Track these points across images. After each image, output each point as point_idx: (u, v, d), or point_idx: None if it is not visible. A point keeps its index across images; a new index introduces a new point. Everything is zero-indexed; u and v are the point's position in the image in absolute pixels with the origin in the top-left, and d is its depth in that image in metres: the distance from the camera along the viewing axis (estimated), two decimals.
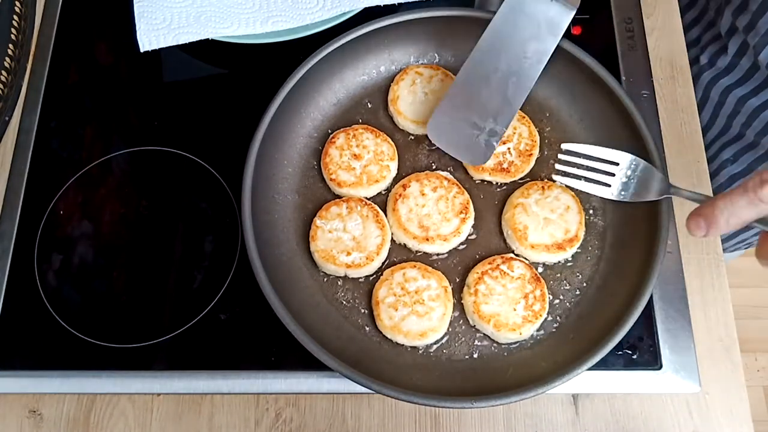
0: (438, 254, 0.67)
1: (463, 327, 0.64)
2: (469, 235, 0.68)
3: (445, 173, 0.68)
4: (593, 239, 0.67)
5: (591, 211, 0.69)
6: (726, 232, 0.45)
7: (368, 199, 0.69)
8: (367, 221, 0.66)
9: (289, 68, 0.68)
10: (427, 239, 0.66)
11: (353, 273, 0.65)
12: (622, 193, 0.55)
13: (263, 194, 0.66)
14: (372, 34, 0.71)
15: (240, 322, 0.66)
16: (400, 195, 0.67)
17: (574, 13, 0.59)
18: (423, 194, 0.67)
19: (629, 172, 0.56)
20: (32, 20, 0.81)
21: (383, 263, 0.66)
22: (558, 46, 0.68)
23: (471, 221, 0.67)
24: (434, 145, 0.70)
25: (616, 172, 0.56)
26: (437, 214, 0.66)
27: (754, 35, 0.73)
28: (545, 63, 0.60)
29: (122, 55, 0.80)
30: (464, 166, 0.70)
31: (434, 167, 0.71)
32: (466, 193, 0.67)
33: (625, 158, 0.56)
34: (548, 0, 0.58)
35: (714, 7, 0.82)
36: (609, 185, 0.56)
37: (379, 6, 0.76)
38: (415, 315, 0.62)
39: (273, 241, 0.66)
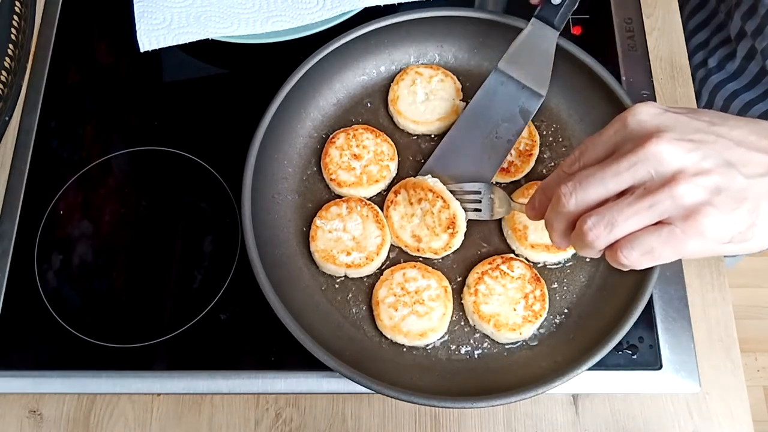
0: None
1: (463, 327, 0.64)
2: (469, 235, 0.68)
3: (432, 180, 0.66)
4: None
5: None
6: (542, 212, 0.49)
7: (368, 199, 0.69)
8: (367, 221, 0.66)
9: (289, 68, 0.68)
10: (419, 249, 0.66)
11: (353, 273, 0.65)
12: (489, 213, 0.65)
13: (263, 194, 0.66)
14: (372, 34, 0.71)
15: (240, 322, 0.66)
16: (392, 202, 0.67)
17: (542, 100, 0.67)
18: (411, 204, 0.67)
19: (491, 196, 0.65)
20: (32, 20, 0.81)
21: (383, 263, 0.66)
22: (558, 45, 0.69)
23: (461, 235, 0.66)
24: (435, 145, 0.70)
25: (481, 198, 0.65)
26: (426, 228, 0.66)
27: (762, 40, 0.73)
28: (515, 142, 0.68)
29: (122, 55, 0.80)
30: None
31: None
32: (453, 204, 0.65)
33: (482, 187, 0.65)
34: (520, 88, 0.67)
35: (725, 10, 0.82)
36: (480, 210, 0.65)
37: (379, 6, 0.76)
38: (415, 315, 0.62)
39: (273, 241, 0.66)
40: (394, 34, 0.73)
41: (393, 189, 0.68)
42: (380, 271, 0.66)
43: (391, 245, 0.67)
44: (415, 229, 0.66)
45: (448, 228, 0.65)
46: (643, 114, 0.43)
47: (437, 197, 0.65)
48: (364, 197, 0.69)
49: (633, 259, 0.42)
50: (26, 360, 0.65)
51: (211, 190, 0.72)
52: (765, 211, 0.41)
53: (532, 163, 0.70)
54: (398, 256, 0.67)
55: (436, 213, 0.65)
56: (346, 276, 0.66)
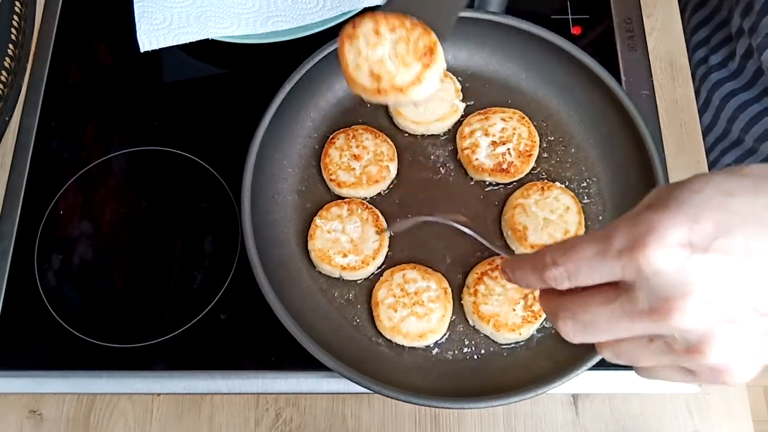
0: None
1: (463, 327, 0.64)
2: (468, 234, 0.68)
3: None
4: None
5: (590, 212, 0.69)
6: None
7: (368, 200, 0.69)
8: (366, 225, 0.66)
9: (289, 68, 0.68)
10: (379, 91, 0.52)
11: (348, 275, 0.65)
12: None
13: (263, 194, 0.66)
14: None
15: (240, 322, 0.66)
16: (349, 36, 0.52)
17: None
18: (378, 33, 0.52)
19: None
20: (32, 20, 0.81)
21: (379, 268, 0.66)
22: (558, 46, 0.69)
23: (436, 72, 0.52)
24: (435, 146, 0.71)
25: None
26: (393, 59, 0.52)
27: (756, 37, 0.73)
28: None
29: (122, 55, 0.80)
30: (464, 166, 0.70)
31: (437, 169, 0.71)
32: (434, 34, 0.52)
33: None
34: None
35: (727, 7, 0.82)
36: None
37: (379, 6, 0.76)
38: (415, 316, 0.62)
39: (273, 242, 0.66)
40: None
41: (352, 21, 0.53)
42: (380, 272, 0.66)
43: (389, 250, 0.67)
44: (374, 67, 0.52)
45: (425, 55, 0.51)
46: (661, 262, 0.33)
47: (416, 25, 0.52)
48: (364, 198, 0.69)
49: (653, 379, 0.41)
50: (26, 360, 0.65)
51: (211, 190, 0.72)
52: None
53: (531, 163, 0.70)
54: (397, 259, 0.67)
55: (411, 41, 0.52)
56: (341, 277, 0.66)
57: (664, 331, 0.35)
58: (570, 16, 0.81)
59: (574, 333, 0.38)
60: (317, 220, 0.66)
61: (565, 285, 0.37)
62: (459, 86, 0.73)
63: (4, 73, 0.74)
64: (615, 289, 0.36)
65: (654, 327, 0.35)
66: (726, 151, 0.84)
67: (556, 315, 0.39)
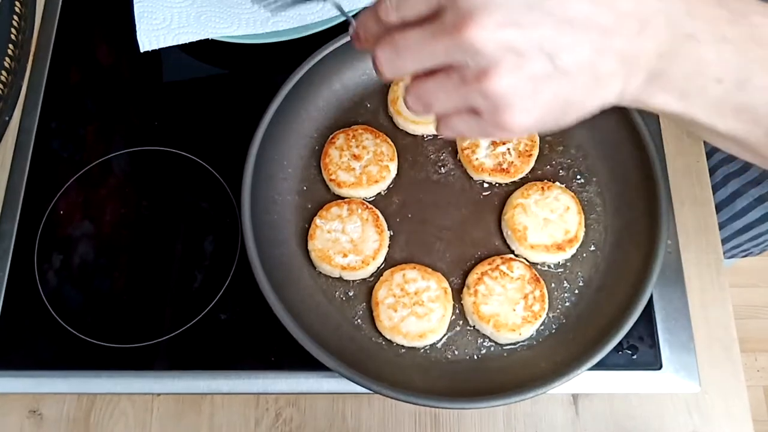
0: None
1: (463, 327, 0.64)
2: (469, 232, 0.68)
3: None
4: (593, 240, 0.67)
5: (590, 212, 0.69)
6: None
7: (368, 200, 0.69)
8: (366, 225, 0.66)
9: (290, 68, 0.68)
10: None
11: (348, 275, 0.65)
12: None
13: (263, 195, 0.67)
14: None
15: (240, 322, 0.66)
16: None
17: None
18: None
19: None
20: (32, 20, 0.81)
21: (379, 268, 0.66)
22: None
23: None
24: (435, 146, 0.71)
25: None
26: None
27: None
28: None
29: (122, 55, 0.80)
30: (464, 166, 0.70)
31: (437, 169, 0.71)
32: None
33: None
34: None
35: None
36: None
37: None
38: (415, 316, 0.62)
39: (273, 242, 0.66)
40: None
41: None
42: (380, 272, 0.66)
43: (389, 245, 0.67)
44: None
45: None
46: None
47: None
48: (364, 198, 0.69)
49: (450, 135, 0.43)
50: (26, 360, 0.65)
51: (211, 190, 0.72)
52: (574, 105, 0.39)
53: (531, 163, 0.70)
54: (397, 258, 0.67)
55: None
56: (341, 277, 0.66)
57: (460, 54, 0.37)
58: None
59: (387, 61, 0.41)
60: (317, 220, 0.66)
61: (392, 15, 0.40)
62: None
63: (3, 73, 0.74)
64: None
65: (453, 47, 0.37)
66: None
67: (376, 46, 0.41)
